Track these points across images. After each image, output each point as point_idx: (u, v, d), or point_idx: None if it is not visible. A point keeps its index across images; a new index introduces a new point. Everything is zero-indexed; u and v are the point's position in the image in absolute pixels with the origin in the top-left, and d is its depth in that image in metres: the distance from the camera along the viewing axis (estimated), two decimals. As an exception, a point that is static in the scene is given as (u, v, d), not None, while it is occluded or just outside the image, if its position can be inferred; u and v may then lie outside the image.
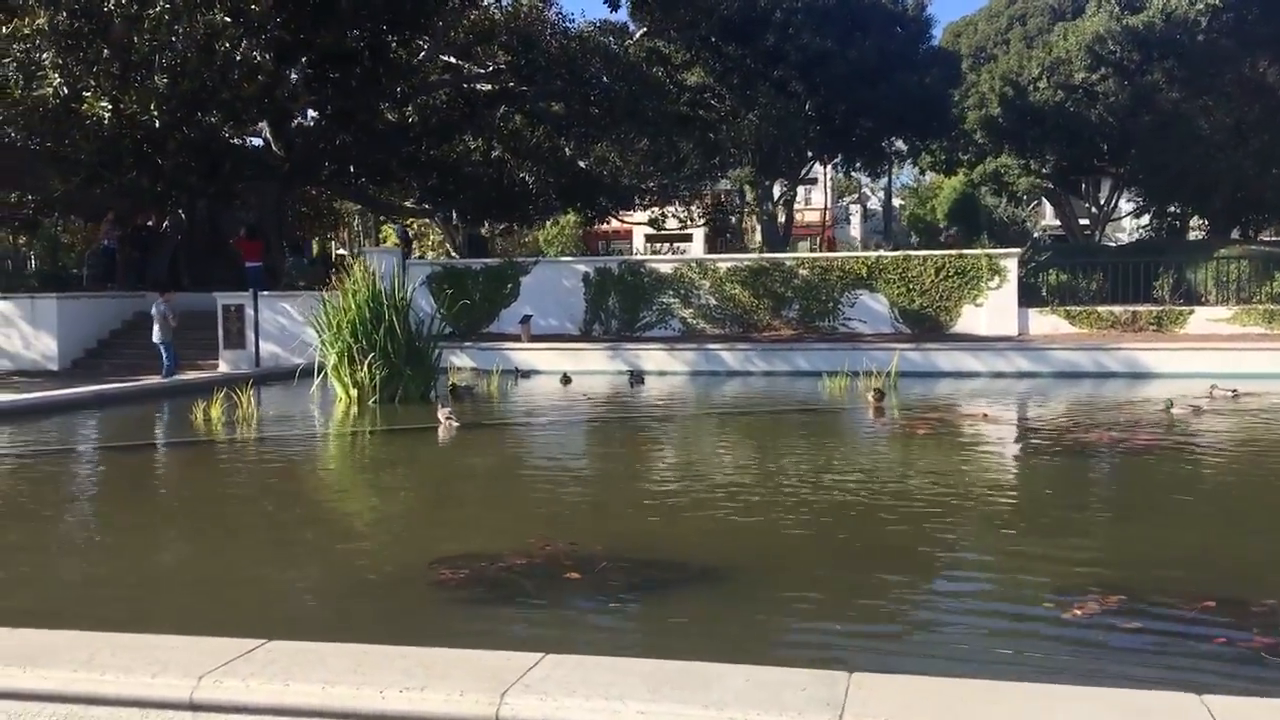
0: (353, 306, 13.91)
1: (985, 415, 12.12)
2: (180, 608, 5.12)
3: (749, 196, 44.39)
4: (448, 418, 11.78)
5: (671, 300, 20.21)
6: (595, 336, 20.37)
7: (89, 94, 17.38)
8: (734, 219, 40.80)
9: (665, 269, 20.54)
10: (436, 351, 14.63)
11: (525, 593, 5.15)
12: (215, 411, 12.09)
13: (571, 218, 39.07)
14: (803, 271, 19.73)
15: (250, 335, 19.79)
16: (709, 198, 37.80)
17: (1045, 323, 18.83)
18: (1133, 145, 36.53)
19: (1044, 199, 60.70)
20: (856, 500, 7.51)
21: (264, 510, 7.77)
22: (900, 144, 46.23)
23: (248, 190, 24.64)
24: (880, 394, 12.62)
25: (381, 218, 51.19)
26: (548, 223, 43.00)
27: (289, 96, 20.93)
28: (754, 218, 45.80)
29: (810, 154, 40.78)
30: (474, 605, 5.03)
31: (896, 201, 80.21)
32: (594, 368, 17.81)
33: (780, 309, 19.73)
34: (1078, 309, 19.01)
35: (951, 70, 41.56)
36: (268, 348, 19.78)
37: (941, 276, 18.90)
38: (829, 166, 50.08)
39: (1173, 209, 43.24)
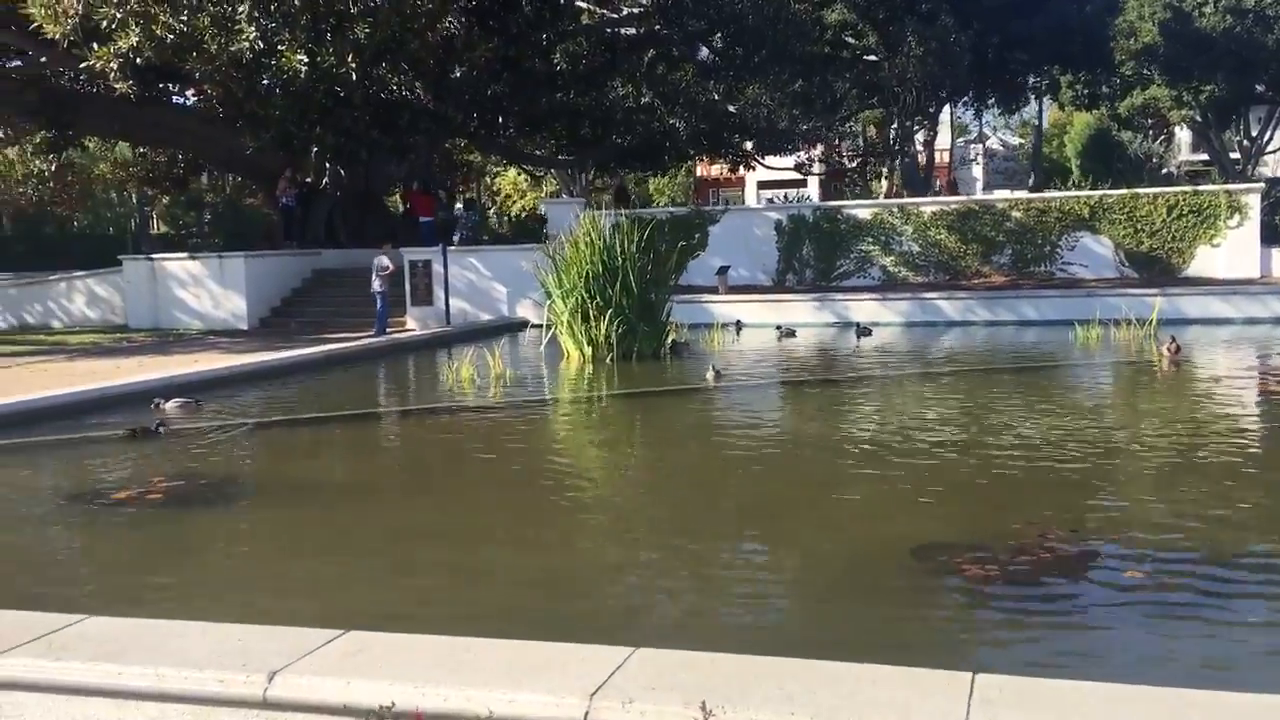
0: (585, 261, 13.36)
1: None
2: (689, 608, 4.55)
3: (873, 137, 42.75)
4: (716, 375, 11.22)
5: (871, 247, 19.28)
6: (789, 286, 19.57)
7: (284, 48, 16.99)
8: (873, 162, 39.20)
9: (864, 215, 19.58)
10: (669, 306, 13.99)
11: (1109, 600, 4.41)
12: (466, 372, 11.69)
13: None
14: (1016, 214, 18.60)
15: (439, 291, 19.44)
16: (859, 140, 36.41)
17: (1291, 263, 17.49)
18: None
19: (1177, 134, 57.64)
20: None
21: (656, 485, 7.07)
22: (1049, 78, 43.97)
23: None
24: (1177, 345, 11.61)
25: (497, 168, 50.93)
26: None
27: (466, 45, 20.35)
28: (879, 162, 44.16)
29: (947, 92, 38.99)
30: (1055, 614, 4.35)
31: (1016, 139, 77.21)
32: (801, 319, 17.02)
33: (990, 254, 18.67)
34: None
35: (1111, -2, 39.28)
36: (457, 304, 19.42)
37: (1174, 215, 17.62)
38: (957, 105, 48.04)
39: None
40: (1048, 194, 19.65)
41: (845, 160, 35.72)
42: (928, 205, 19.56)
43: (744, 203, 48.23)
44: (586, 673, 3.26)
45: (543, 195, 58.86)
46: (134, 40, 14.42)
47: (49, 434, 8.69)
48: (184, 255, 21.43)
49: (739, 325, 16.17)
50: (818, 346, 15.01)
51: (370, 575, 5.11)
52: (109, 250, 56.34)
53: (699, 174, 59.48)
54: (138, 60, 14.86)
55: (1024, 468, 6.99)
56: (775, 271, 19.84)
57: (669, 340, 14.07)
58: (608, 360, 12.93)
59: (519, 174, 44.43)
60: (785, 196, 46.89)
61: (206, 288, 20.56)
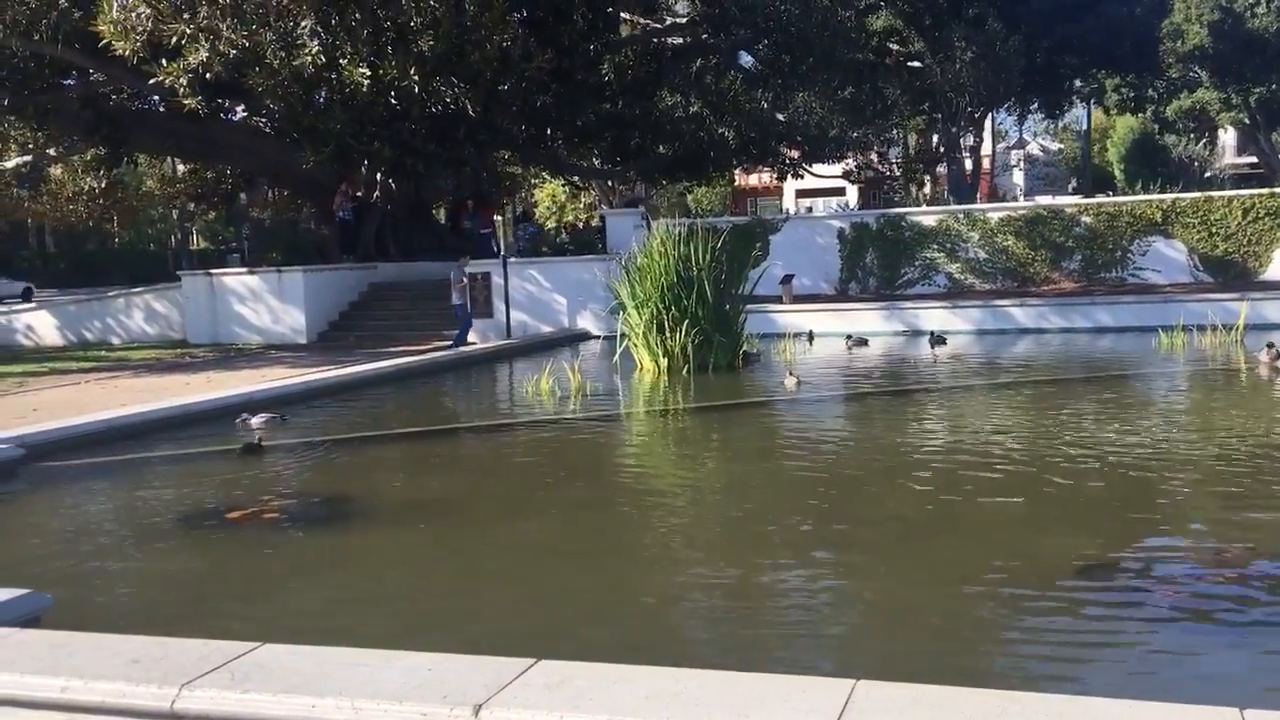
0: (661, 271, 13.17)
1: None
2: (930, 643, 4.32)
3: (913, 145, 42.26)
4: (798, 383, 11.03)
5: (936, 254, 18.98)
6: (852, 295, 19.30)
7: (345, 61, 16.97)
8: (920, 168, 38.79)
9: (929, 222, 19.28)
10: (743, 317, 13.77)
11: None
12: (545, 385, 11.53)
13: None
14: (1086, 219, 18.25)
15: (499, 303, 19.31)
16: (909, 146, 36.08)
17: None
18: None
19: (1221, 137, 56.83)
20: None
21: (783, 502, 6.81)
22: (1095, 82, 43.37)
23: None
24: (1277, 351, 11.26)
25: (535, 181, 50.91)
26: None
27: (523, 56, 20.25)
28: (924, 169, 43.64)
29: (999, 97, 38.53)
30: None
31: (1055, 145, 76.46)
32: (869, 328, 16.73)
33: (1060, 260, 18.32)
34: None
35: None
36: (517, 316, 19.28)
37: (1250, 219, 17.21)
38: (1000, 110, 47.53)
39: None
40: (1118, 198, 19.27)
41: (894, 167, 35.38)
42: (995, 211, 19.23)
43: (782, 212, 47.97)
44: (815, 707, 3.06)
45: (580, 207, 58.92)
46: (203, 56, 14.41)
47: (137, 451, 8.59)
48: (243, 270, 21.43)
49: (811, 335, 15.90)
50: (893, 356, 14.73)
51: (516, 596, 4.93)
52: (150, 266, 56.93)
53: (737, 183, 59.31)
54: (207, 76, 14.84)
55: (1157, 478, 6.71)
56: (838, 280, 19.58)
57: (742, 351, 13.88)
58: (684, 372, 12.72)
59: (563, 185, 44.29)
60: (844, 205, 46.47)
61: (265, 302, 20.55)
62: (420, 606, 4.83)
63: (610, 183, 47.24)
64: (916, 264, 19.07)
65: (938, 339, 15.05)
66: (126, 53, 14.64)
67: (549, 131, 27.85)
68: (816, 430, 9.46)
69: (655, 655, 4.07)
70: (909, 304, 17.43)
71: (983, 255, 18.72)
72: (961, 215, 19.16)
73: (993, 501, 6.29)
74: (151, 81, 15.54)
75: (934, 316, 16.90)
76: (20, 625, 4.13)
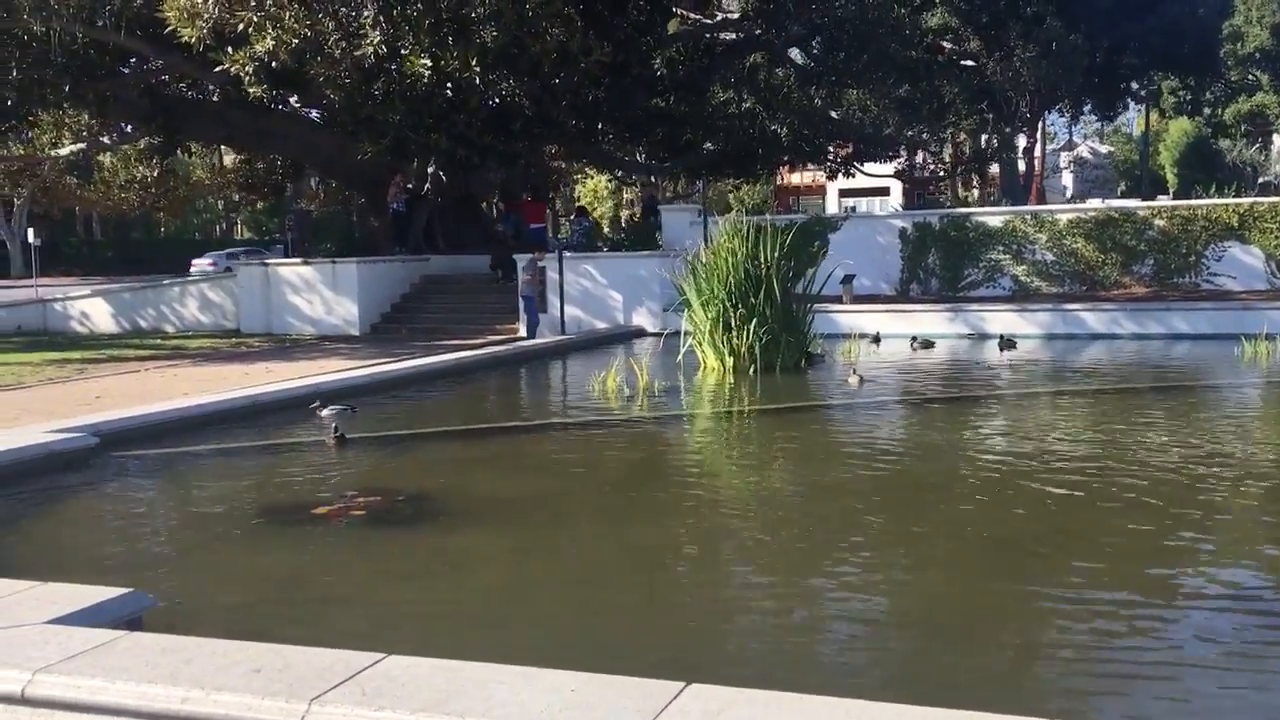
0: (728, 269, 12.90)
1: None
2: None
3: (965, 146, 41.65)
4: (860, 381, 10.88)
5: (1001, 256, 18.56)
6: (913, 296, 18.93)
7: (406, 52, 16.83)
8: (974, 167, 38.25)
9: (994, 222, 18.86)
10: (811, 316, 13.47)
11: None
12: (612, 382, 11.30)
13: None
14: (1159, 222, 17.77)
15: (553, 298, 19.10)
16: (961, 146, 35.56)
17: None
18: None
19: (1276, 141, 55.71)
20: None
21: (893, 509, 6.48)
22: (1152, 84, 42.64)
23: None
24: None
25: (577, 175, 50.82)
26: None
27: (582, 49, 20.04)
28: (977, 168, 43.03)
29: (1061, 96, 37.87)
30: None
31: (1104, 148, 75.33)
32: (932, 330, 16.37)
33: (1131, 264, 17.86)
34: None
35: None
36: (571, 311, 19.07)
37: (1332, 224, 16.69)
38: (1053, 111, 46.78)
39: None
40: (1193, 201, 18.74)
41: (946, 167, 34.87)
42: (1064, 213, 18.79)
43: (824, 210, 47.52)
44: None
45: (622, 203, 58.77)
46: (269, 44, 14.30)
47: (210, 442, 8.45)
48: (297, 260, 21.38)
49: (878, 337, 15.56)
50: (961, 359, 14.39)
51: (633, 604, 4.70)
52: (195, 254, 57.39)
53: (779, 181, 58.92)
54: (272, 64, 14.74)
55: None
56: (899, 280, 19.21)
57: (806, 352, 13.58)
58: (750, 372, 12.44)
59: (610, 180, 44.18)
60: (898, 205, 45.89)
61: (319, 293, 20.48)
62: (533, 612, 4.60)
63: (655, 178, 47.04)
64: (981, 265, 18.66)
65: (1007, 342, 14.67)
66: (192, 40, 14.57)
67: (599, 125, 27.69)
68: (902, 437, 9.17)
69: (804, 677, 3.83)
70: (974, 306, 17.04)
71: (1050, 257, 18.28)
72: (1029, 216, 18.73)
73: (1090, 509, 5.98)
74: (216, 69, 15.44)
75: (1001, 319, 16.51)
76: (123, 627, 3.96)
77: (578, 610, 4.65)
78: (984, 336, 16.15)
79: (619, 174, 41.19)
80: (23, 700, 3.33)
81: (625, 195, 58.03)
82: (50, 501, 6.75)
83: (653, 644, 4.19)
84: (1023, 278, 18.46)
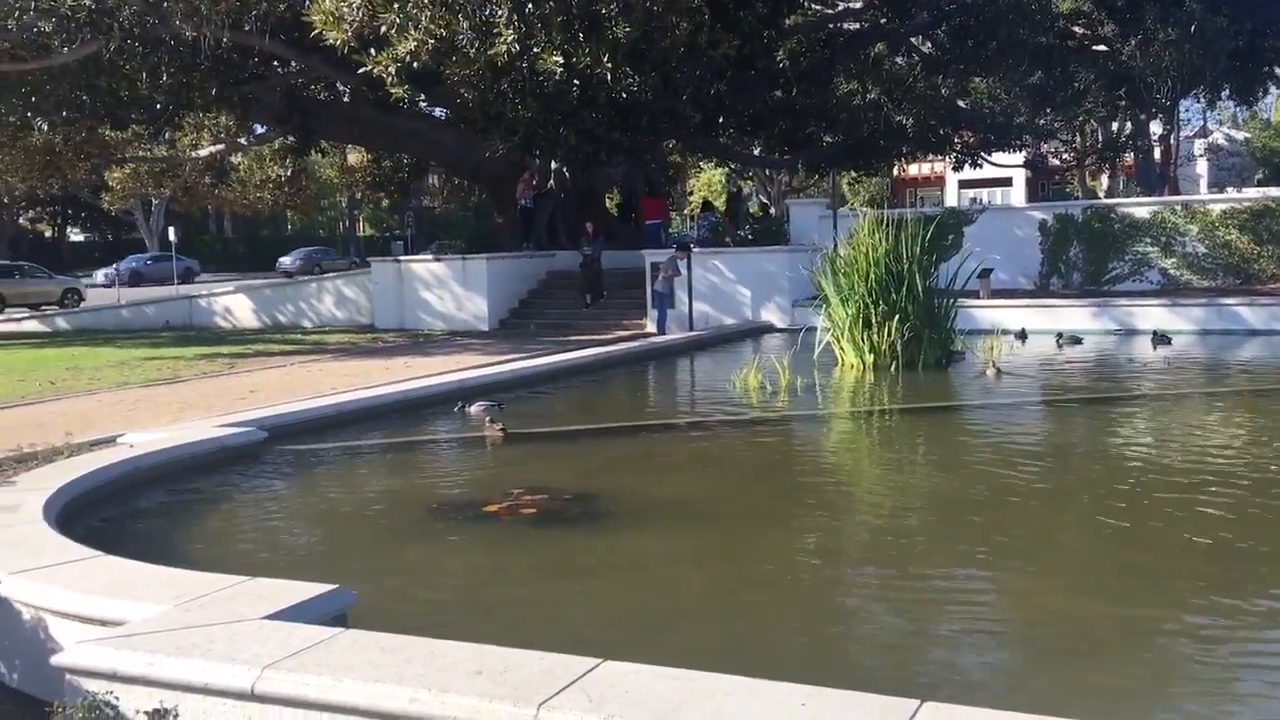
0: (868, 264, 12.65)
1: None
2: None
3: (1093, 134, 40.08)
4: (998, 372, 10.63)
5: (1149, 249, 17.83)
6: (1054, 290, 18.32)
7: (539, 50, 16.96)
8: (1110, 156, 36.78)
9: (1141, 214, 18.12)
10: (954, 313, 13.13)
11: None
12: (753, 380, 11.18)
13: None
14: (1323, 212, 16.87)
15: (681, 294, 19.04)
16: (1096, 135, 34.32)
17: None
18: None
19: None
20: None
21: (1091, 514, 6.28)
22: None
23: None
24: None
25: (693, 169, 50.62)
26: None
27: (710, 43, 19.93)
28: (1111, 157, 41.37)
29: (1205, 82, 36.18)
30: None
31: (1241, 134, 71.92)
32: (1076, 325, 15.78)
33: (1290, 256, 16.99)
34: None
35: (1382, -27, 35.71)
36: (699, 307, 18.98)
37: None
38: (1189, 96, 44.66)
39: None
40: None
41: (1079, 156, 33.69)
42: (1217, 203, 17.95)
43: (943, 203, 46.46)
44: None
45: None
46: (411, 45, 14.56)
47: (367, 436, 8.62)
48: (429, 257, 21.77)
49: (1023, 333, 15.09)
50: (1112, 356, 13.84)
51: (819, 613, 4.59)
52: (327, 250, 58.80)
53: (896, 174, 57.82)
54: (414, 65, 15.02)
55: None
56: (1038, 274, 18.62)
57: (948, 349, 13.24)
58: (891, 369, 12.18)
59: (726, 173, 43.94)
60: (1035, 193, 44.48)
61: (450, 289, 20.83)
62: (713, 615, 4.54)
63: (769, 172, 46.60)
64: (1126, 258, 17.96)
65: (1161, 338, 14.08)
66: (337, 43, 14.92)
67: (720, 119, 27.54)
68: (1070, 438, 8.85)
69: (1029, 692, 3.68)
70: (1122, 301, 16.39)
71: (1202, 250, 17.49)
72: (1179, 207, 17.94)
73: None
74: (360, 71, 15.79)
75: (1150, 314, 15.84)
76: (330, 623, 4.01)
77: (758, 615, 4.57)
78: (1132, 332, 15.54)
79: (735, 167, 40.90)
80: (252, 696, 3.39)
81: (743, 189, 57.71)
82: (228, 495, 6.96)
83: (846, 655, 4.09)
84: (1172, 271, 17.70)
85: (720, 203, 29.63)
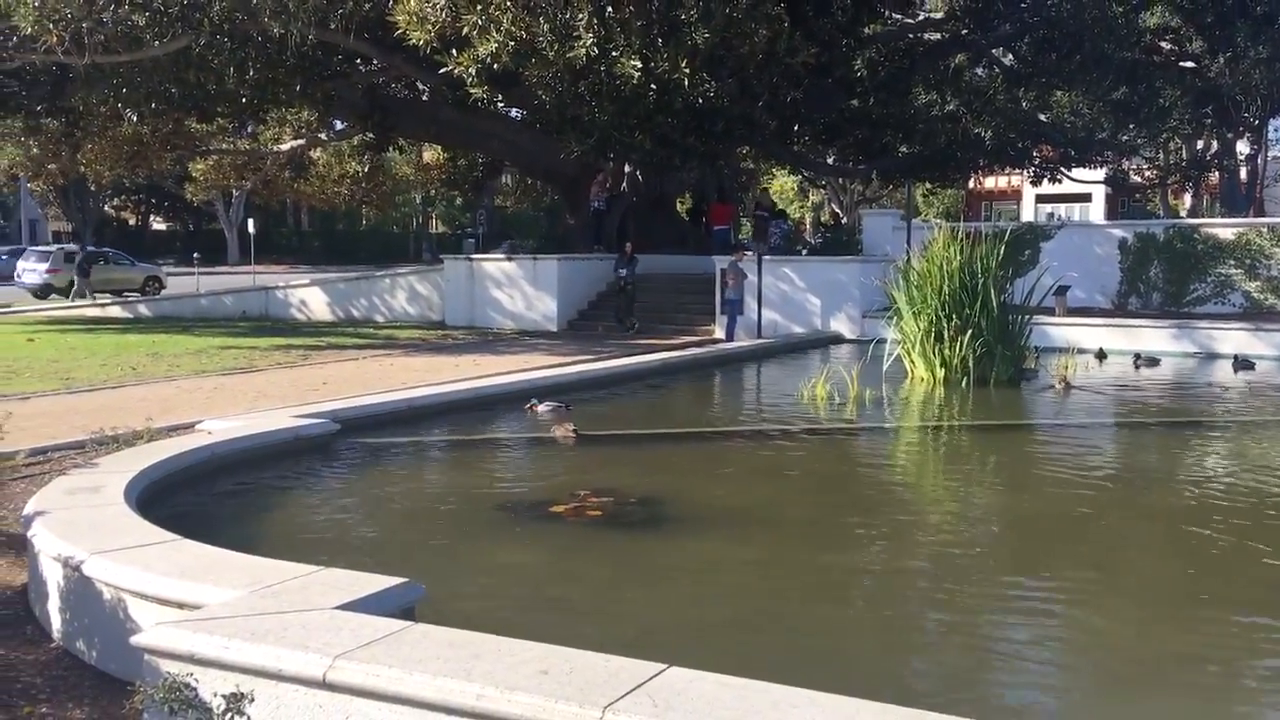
0: (942, 277, 12.50)
1: None
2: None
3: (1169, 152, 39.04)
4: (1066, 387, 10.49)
5: (1233, 271, 17.38)
6: (1132, 310, 17.93)
7: (618, 53, 17.03)
8: (1194, 175, 35.88)
9: (1226, 235, 17.68)
10: (1029, 330, 12.92)
11: None
12: (821, 390, 11.10)
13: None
14: None
15: (750, 301, 18.99)
16: (1181, 153, 33.53)
17: None
18: None
19: None
20: None
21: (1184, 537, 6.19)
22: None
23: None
24: None
25: (766, 176, 50.40)
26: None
27: (788, 50, 19.86)
28: (1194, 176, 40.32)
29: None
30: None
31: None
32: (1155, 347, 15.44)
33: (1382, 284, 16.44)
34: None
35: None
36: (767, 315, 18.92)
37: None
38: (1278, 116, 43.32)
39: None
40: None
41: (1162, 174, 32.92)
42: (1309, 225, 17.47)
43: (1019, 217, 45.71)
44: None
45: (808, 205, 58.05)
46: (492, 47, 14.73)
47: (439, 431, 8.73)
48: (500, 256, 21.98)
49: (1102, 352, 14.81)
50: (1191, 379, 13.51)
51: (892, 629, 4.56)
52: (393, 246, 59.86)
53: (971, 187, 57.02)
54: (494, 66, 15.19)
55: None
56: (1116, 293, 18.25)
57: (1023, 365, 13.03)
58: (963, 384, 12.02)
59: (800, 181, 43.73)
60: (1115, 210, 43.49)
61: (520, 289, 21.00)
62: (782, 619, 4.52)
63: (842, 181, 46.24)
64: (1209, 280, 17.52)
65: (1243, 363, 13.71)
66: (420, 42, 15.14)
67: (796, 127, 27.41)
68: (1139, 456, 8.66)
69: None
70: (1203, 323, 16.01)
71: (1289, 274, 17.03)
72: (1265, 229, 17.46)
73: None
74: (441, 71, 16.02)
75: (1232, 338, 15.46)
76: (398, 615, 4.08)
77: (822, 626, 4.54)
78: (1212, 356, 15.16)
79: (808, 175, 40.67)
80: (323, 684, 3.46)
81: (811, 198, 57.33)
82: (302, 484, 7.10)
83: (921, 675, 4.05)
84: (1255, 294, 17.23)
85: (794, 211, 29.61)
